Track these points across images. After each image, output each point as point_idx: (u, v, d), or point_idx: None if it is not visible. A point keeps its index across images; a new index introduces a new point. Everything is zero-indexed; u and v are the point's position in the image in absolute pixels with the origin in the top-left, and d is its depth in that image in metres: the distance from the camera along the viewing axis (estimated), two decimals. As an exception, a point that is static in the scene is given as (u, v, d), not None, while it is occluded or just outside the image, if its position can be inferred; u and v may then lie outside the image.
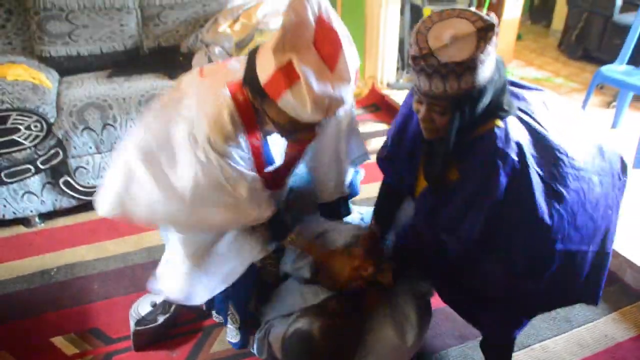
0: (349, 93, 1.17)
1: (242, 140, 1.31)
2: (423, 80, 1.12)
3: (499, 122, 1.19)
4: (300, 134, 1.27)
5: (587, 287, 1.38)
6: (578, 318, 2.00)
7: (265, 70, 1.12)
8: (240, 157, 1.31)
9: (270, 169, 1.47)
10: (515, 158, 1.16)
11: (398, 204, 1.64)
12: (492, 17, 1.09)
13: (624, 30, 2.99)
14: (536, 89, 1.37)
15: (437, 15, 1.12)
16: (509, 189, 1.17)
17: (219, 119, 1.24)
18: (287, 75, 1.09)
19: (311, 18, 1.09)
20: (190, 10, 2.93)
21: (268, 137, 1.48)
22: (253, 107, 1.27)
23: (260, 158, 1.40)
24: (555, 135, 1.23)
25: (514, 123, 1.21)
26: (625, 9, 3.79)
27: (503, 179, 1.16)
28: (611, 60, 3.04)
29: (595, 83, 2.98)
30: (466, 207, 1.23)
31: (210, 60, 2.66)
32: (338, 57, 1.11)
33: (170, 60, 2.84)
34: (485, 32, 1.06)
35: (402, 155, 1.46)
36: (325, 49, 1.10)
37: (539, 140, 1.22)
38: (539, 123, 1.24)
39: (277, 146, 1.55)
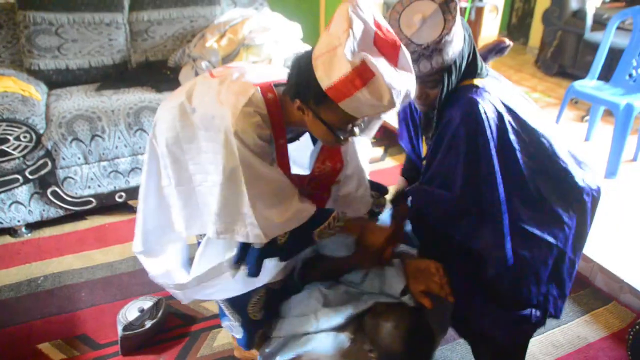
0: (414, 85, 1.22)
1: (269, 137, 1.32)
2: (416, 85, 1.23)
3: (476, 81, 1.32)
4: (345, 137, 1.29)
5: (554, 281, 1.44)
6: (552, 321, 2.06)
7: (333, 73, 1.15)
8: (266, 153, 1.31)
9: (296, 172, 1.47)
10: (494, 108, 1.28)
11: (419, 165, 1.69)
12: None
13: (595, 47, 3.13)
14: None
15: (399, 4, 1.27)
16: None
17: (248, 112, 1.24)
18: (362, 74, 1.12)
19: (369, 20, 1.16)
20: (178, 26, 3.01)
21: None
22: (282, 110, 1.30)
23: (285, 159, 1.41)
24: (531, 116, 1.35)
25: (489, 92, 1.31)
26: (595, 27, 3.97)
27: (485, 121, 1.26)
28: (585, 76, 3.17)
29: (568, 97, 3.11)
30: (451, 156, 1.31)
31: (197, 74, 2.73)
32: (398, 53, 1.19)
33: (157, 74, 2.91)
34: (446, 4, 1.22)
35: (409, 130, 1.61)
36: (386, 48, 1.17)
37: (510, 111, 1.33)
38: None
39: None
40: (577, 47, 4.16)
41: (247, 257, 1.41)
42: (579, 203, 1.39)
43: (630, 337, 1.48)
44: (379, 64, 1.14)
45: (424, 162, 1.52)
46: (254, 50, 2.79)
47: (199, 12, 3.03)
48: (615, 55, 3.17)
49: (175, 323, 2.05)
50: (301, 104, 1.24)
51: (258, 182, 1.29)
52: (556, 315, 1.46)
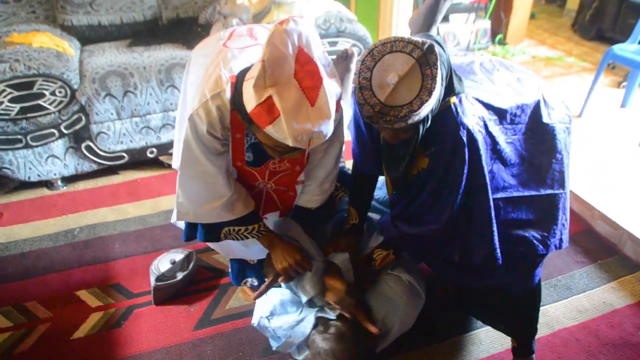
0: (329, 127, 1.18)
1: (224, 133, 1.38)
2: (385, 126, 1.13)
3: (454, 99, 1.24)
4: (288, 154, 1.32)
5: (540, 228, 1.44)
6: (578, 286, 2.08)
7: (249, 101, 1.16)
8: (212, 147, 1.38)
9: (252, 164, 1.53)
10: (471, 126, 1.24)
11: (372, 186, 1.70)
12: (433, 37, 1.16)
13: (639, 9, 3.01)
14: (467, 53, 1.49)
15: (369, 58, 1.09)
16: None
17: (211, 106, 1.30)
18: (268, 110, 1.12)
19: (291, 51, 1.11)
20: (209, -18, 2.98)
21: None
22: None
23: (240, 152, 1.46)
24: (497, 99, 1.32)
25: (466, 99, 1.27)
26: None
27: (466, 152, 1.24)
28: (625, 40, 3.05)
29: (606, 61, 3.00)
30: (442, 187, 1.30)
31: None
32: (318, 91, 1.13)
33: (188, 31, 2.90)
34: (425, 58, 1.06)
35: (368, 152, 1.53)
36: (306, 82, 1.12)
37: (487, 106, 1.31)
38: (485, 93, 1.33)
39: None
40: (618, 9, 3.98)
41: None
42: (548, 137, 1.39)
43: None
44: (288, 102, 1.10)
45: (389, 185, 1.53)
46: (284, 8, 2.76)
47: (230, -32, 2.99)
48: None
49: (205, 276, 2.12)
50: (239, 116, 1.26)
51: (191, 165, 1.40)
52: (560, 247, 1.47)
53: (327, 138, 1.22)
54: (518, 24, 4.26)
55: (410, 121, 1.11)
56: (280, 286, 1.71)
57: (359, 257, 1.65)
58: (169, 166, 2.82)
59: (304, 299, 1.62)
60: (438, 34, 3.83)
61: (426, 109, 1.11)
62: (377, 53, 1.09)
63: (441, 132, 1.25)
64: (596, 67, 3.34)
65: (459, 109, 1.24)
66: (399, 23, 3.71)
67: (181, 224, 1.78)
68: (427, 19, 2.03)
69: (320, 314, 1.62)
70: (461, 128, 1.23)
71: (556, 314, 1.95)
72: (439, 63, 1.08)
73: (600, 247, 2.28)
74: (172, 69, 2.57)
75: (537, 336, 1.71)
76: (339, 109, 1.23)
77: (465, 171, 1.26)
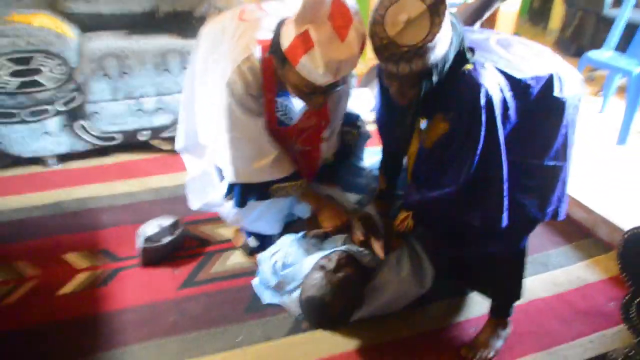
0: (354, 61, 1.37)
1: (259, 91, 1.53)
2: (390, 66, 1.24)
3: (469, 66, 1.33)
4: (315, 97, 1.47)
5: (539, 196, 1.50)
6: (554, 263, 2.15)
7: (287, 38, 1.33)
8: (251, 107, 1.54)
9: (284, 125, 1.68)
10: (489, 88, 1.31)
11: (400, 159, 1.80)
12: None
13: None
14: (483, 31, 1.56)
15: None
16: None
17: (244, 68, 1.46)
18: (304, 42, 1.29)
19: None
20: (206, -21, 3.11)
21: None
22: (275, 69, 1.48)
23: (272, 113, 1.61)
24: (513, 68, 1.38)
25: (482, 67, 1.34)
26: (615, 5, 4.00)
27: (484, 113, 1.31)
28: (602, 52, 3.22)
29: (583, 65, 3.16)
30: (462, 149, 1.36)
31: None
32: (348, 30, 1.30)
33: (183, 23, 3.01)
34: (435, 6, 1.16)
35: (390, 121, 1.64)
36: (338, 22, 1.29)
37: (502, 73, 1.37)
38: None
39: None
40: (596, 26, 4.19)
41: (234, 192, 1.70)
42: (557, 111, 1.45)
43: (620, 246, 1.54)
44: (322, 36, 1.28)
45: (411, 159, 1.61)
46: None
47: (227, -34, 3.13)
48: (631, 30, 3.21)
49: (191, 244, 2.17)
50: (275, 62, 1.42)
51: (238, 128, 1.54)
52: (556, 217, 1.53)
53: (351, 71, 1.39)
54: (502, 39, 4.44)
55: (413, 65, 1.21)
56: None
57: (386, 220, 1.74)
58: (160, 150, 2.88)
59: (330, 249, 1.72)
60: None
61: (429, 54, 1.20)
62: None
63: (459, 96, 1.32)
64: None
65: (474, 74, 1.31)
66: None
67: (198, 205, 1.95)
68: (475, 13, 2.11)
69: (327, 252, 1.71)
70: (479, 89, 1.28)
71: (532, 286, 2.01)
72: (447, 13, 1.18)
73: (575, 229, 2.37)
74: (167, 54, 2.67)
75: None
76: (363, 47, 1.38)
77: (483, 132, 1.32)
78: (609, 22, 3.97)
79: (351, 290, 1.63)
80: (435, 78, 1.29)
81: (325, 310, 1.58)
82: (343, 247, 1.69)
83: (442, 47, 1.22)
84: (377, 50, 1.23)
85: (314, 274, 1.62)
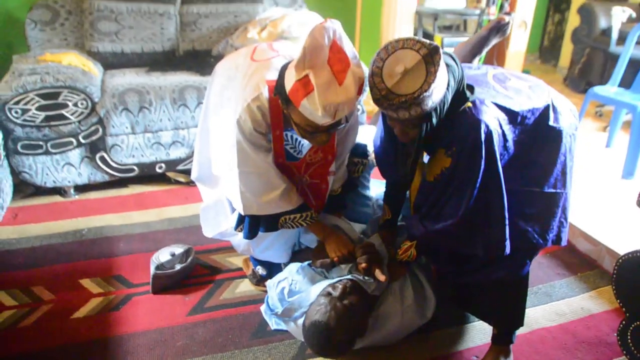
0: (352, 103, 1.44)
1: (267, 129, 1.64)
2: (391, 113, 1.33)
3: (468, 104, 1.41)
4: (318, 135, 1.55)
5: (540, 222, 1.55)
6: (558, 294, 2.17)
7: (290, 81, 1.43)
8: (260, 144, 1.64)
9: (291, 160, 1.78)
10: (489, 123, 1.38)
11: (404, 190, 1.86)
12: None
13: (621, 60, 3.27)
14: (480, 67, 1.65)
15: (384, 51, 1.29)
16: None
17: (253, 107, 1.57)
18: (305, 86, 1.38)
19: (326, 42, 1.38)
20: (223, 20, 3.30)
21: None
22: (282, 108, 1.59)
23: (281, 148, 1.72)
24: (510, 102, 1.47)
25: (481, 103, 1.42)
26: (620, 43, 4.08)
27: (484, 147, 1.38)
28: (609, 89, 3.29)
29: (588, 100, 3.23)
30: (465, 182, 1.42)
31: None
32: (346, 74, 1.40)
33: (202, 61, 3.18)
34: (430, 56, 1.24)
35: (391, 155, 1.71)
36: (336, 66, 1.39)
37: (500, 108, 1.45)
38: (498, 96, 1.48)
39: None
40: (604, 63, 4.26)
41: (244, 224, 1.79)
42: (554, 139, 1.51)
43: (615, 272, 1.56)
44: (321, 80, 1.37)
45: (413, 192, 1.68)
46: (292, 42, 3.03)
47: (243, 8, 3.32)
48: (636, 67, 3.29)
49: (202, 272, 2.24)
50: (280, 102, 1.52)
51: (247, 163, 1.64)
52: (557, 242, 1.58)
53: (348, 113, 1.47)
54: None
55: (412, 111, 1.29)
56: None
57: (390, 250, 1.80)
58: (176, 182, 3.00)
59: (336, 277, 1.78)
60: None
61: (426, 101, 1.28)
62: (390, 48, 1.29)
63: (460, 133, 1.39)
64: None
65: (474, 111, 1.38)
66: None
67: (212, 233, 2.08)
68: (474, 50, 2.20)
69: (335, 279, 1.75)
70: (479, 125, 1.35)
71: (535, 316, 2.03)
72: (442, 62, 1.26)
73: (580, 261, 2.38)
74: (185, 90, 2.81)
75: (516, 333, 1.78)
76: (361, 91, 1.47)
77: (483, 165, 1.38)
78: (616, 59, 4.05)
79: (355, 317, 1.66)
80: (434, 120, 1.36)
81: (328, 336, 1.61)
82: (349, 276, 1.74)
83: (439, 92, 1.30)
84: (377, 101, 1.32)
85: (320, 299, 1.66)
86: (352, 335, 1.68)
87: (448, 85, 1.33)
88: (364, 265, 1.73)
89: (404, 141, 1.48)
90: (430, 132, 1.39)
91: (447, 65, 1.34)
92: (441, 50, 1.27)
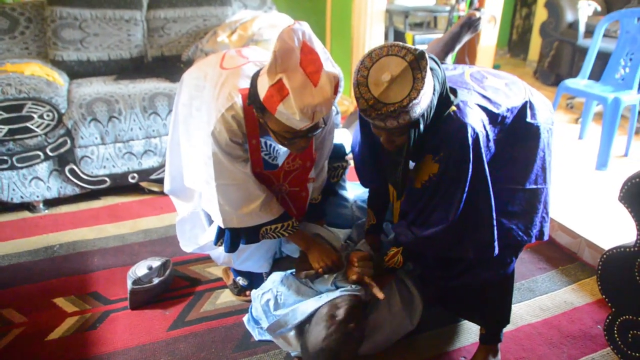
0: (329, 104, 1.40)
1: (243, 138, 1.58)
2: (378, 122, 1.28)
3: (453, 108, 1.39)
4: (297, 141, 1.50)
5: (524, 219, 1.55)
6: (540, 289, 2.18)
7: (263, 88, 1.37)
8: (237, 155, 1.58)
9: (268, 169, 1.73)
10: (474, 125, 1.36)
11: (386, 194, 1.82)
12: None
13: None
14: (456, 67, 1.64)
15: (368, 59, 1.24)
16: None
17: (227, 117, 1.52)
18: (279, 91, 1.33)
19: (297, 44, 1.34)
20: (192, 24, 3.23)
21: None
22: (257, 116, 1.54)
23: (257, 157, 1.66)
24: (490, 104, 1.45)
25: (465, 105, 1.41)
26: (588, 36, 4.15)
27: (471, 150, 1.36)
28: (579, 79, 3.34)
29: (560, 93, 3.26)
30: (454, 187, 1.40)
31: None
32: (320, 75, 1.35)
33: (171, 67, 3.10)
34: (417, 62, 1.20)
35: (369, 165, 1.69)
36: (309, 68, 1.34)
37: (483, 109, 1.44)
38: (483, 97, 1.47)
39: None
40: (572, 56, 4.33)
41: (224, 237, 1.74)
42: (532, 136, 1.51)
43: (599, 267, 1.57)
44: (296, 83, 1.32)
45: (396, 200, 1.66)
46: (262, 45, 2.99)
47: (212, 12, 3.25)
48: (604, 59, 3.34)
49: (181, 284, 2.17)
50: (255, 111, 1.46)
51: (224, 175, 1.58)
52: (540, 238, 1.58)
53: (326, 114, 1.42)
54: (482, 71, 4.57)
55: (400, 120, 1.25)
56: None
57: (377, 256, 1.76)
58: (150, 192, 2.92)
59: (321, 287, 1.74)
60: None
61: (415, 109, 1.24)
62: (375, 55, 1.25)
63: (447, 138, 1.36)
64: (556, 110, 3.61)
65: (459, 115, 1.36)
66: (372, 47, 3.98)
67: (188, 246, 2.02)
68: (446, 46, 2.18)
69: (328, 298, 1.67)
70: (466, 129, 1.33)
71: (520, 312, 2.03)
72: (428, 67, 1.23)
73: (560, 255, 2.40)
74: (155, 97, 2.74)
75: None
76: (337, 91, 1.42)
77: (470, 168, 1.36)
78: (584, 51, 4.12)
79: (361, 335, 1.64)
80: (422, 126, 1.33)
81: (340, 359, 1.57)
82: (345, 292, 1.66)
83: (427, 98, 1.27)
84: (364, 111, 1.26)
85: (324, 323, 1.58)
86: (356, 351, 1.66)
87: (434, 90, 1.31)
88: (361, 279, 1.67)
89: (390, 149, 1.43)
90: (418, 139, 1.36)
91: (431, 69, 1.31)
92: (427, 55, 1.24)
